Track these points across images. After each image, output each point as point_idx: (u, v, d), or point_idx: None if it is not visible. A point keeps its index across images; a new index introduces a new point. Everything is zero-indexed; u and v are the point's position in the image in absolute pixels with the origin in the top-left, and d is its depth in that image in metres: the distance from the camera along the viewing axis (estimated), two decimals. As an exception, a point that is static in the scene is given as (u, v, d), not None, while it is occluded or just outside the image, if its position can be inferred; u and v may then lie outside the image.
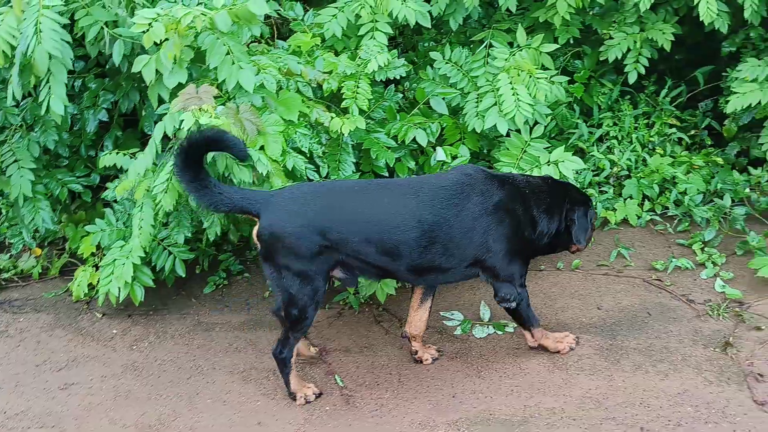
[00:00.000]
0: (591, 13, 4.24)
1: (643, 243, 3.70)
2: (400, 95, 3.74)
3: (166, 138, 2.98)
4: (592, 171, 3.99)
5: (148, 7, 2.94)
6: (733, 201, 3.69)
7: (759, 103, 3.44)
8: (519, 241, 2.87)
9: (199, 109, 2.56)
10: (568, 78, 4.23)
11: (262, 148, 2.75)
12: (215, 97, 2.70)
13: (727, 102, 3.57)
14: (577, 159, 3.49)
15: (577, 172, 3.86)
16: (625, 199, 3.85)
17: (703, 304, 3.19)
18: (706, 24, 3.54)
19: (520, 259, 2.91)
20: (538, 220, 2.91)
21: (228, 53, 2.78)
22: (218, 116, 2.59)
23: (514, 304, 2.88)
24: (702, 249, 3.49)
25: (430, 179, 3.03)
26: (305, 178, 3.03)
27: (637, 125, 4.12)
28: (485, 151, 3.87)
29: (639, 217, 3.78)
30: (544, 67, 3.67)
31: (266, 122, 2.79)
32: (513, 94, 3.45)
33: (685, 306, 3.21)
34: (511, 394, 2.85)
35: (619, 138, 4.14)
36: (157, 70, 2.89)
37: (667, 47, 3.86)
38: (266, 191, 2.81)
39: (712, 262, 3.41)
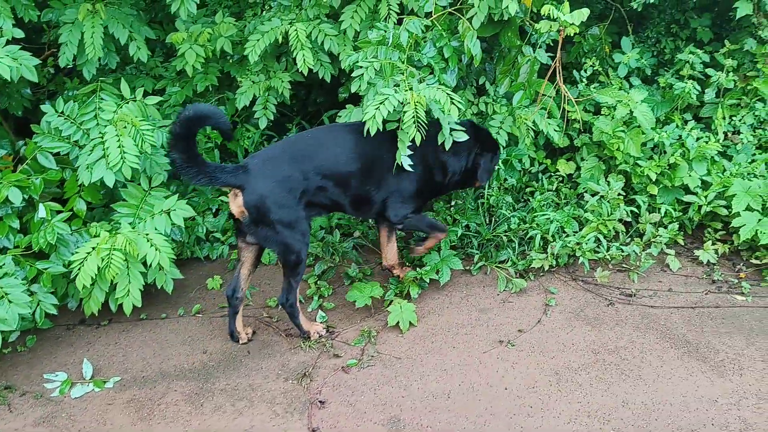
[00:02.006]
0: (231, 60, 4.43)
1: (270, 281, 3.89)
2: (4, 151, 3.62)
3: None
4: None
5: None
6: (348, 234, 4.01)
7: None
8: (427, 181, 3.42)
9: None
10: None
11: None
12: None
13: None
14: (187, 207, 3.58)
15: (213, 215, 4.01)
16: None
17: (299, 336, 3.40)
18: (305, 72, 3.83)
19: (422, 196, 3.48)
20: (448, 163, 3.43)
21: None
22: None
23: (400, 227, 3.47)
24: (315, 282, 3.74)
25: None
26: None
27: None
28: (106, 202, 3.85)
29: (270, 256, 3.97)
30: (151, 119, 3.73)
31: None
32: (118, 146, 3.47)
33: (284, 340, 3.40)
34: (84, 454, 2.82)
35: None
36: None
37: (287, 94, 4.12)
38: (240, 164, 3.17)
39: (320, 295, 3.66)
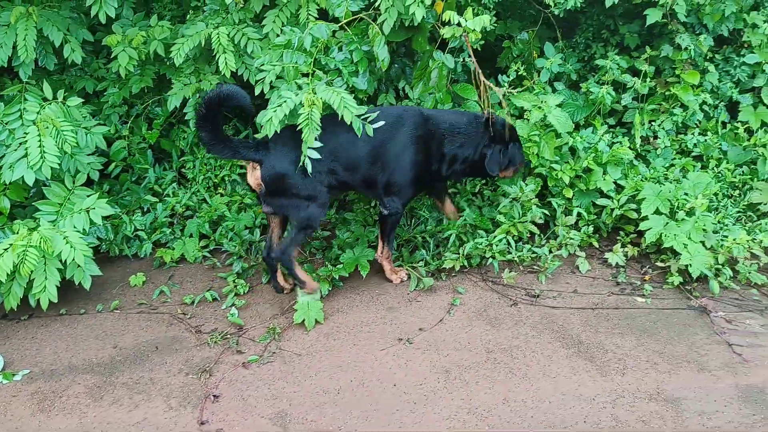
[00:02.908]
0: (168, 62, 4.51)
1: (192, 279, 3.98)
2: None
3: None
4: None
5: None
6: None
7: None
8: (425, 171, 3.57)
9: None
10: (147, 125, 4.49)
11: None
12: None
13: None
14: (106, 206, 3.67)
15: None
16: (186, 238, 4.13)
17: (209, 333, 3.49)
18: (227, 75, 3.92)
19: (417, 184, 3.62)
20: (447, 155, 3.58)
21: None
22: None
23: (386, 212, 3.58)
24: (234, 280, 3.82)
25: (381, 110, 3.52)
26: None
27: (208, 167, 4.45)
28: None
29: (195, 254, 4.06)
30: (76, 120, 3.83)
31: None
32: (39, 146, 3.57)
33: (193, 336, 3.49)
34: (-20, 443, 2.91)
35: (197, 180, 4.43)
36: None
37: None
38: (261, 141, 3.46)
39: (235, 293, 3.74)
